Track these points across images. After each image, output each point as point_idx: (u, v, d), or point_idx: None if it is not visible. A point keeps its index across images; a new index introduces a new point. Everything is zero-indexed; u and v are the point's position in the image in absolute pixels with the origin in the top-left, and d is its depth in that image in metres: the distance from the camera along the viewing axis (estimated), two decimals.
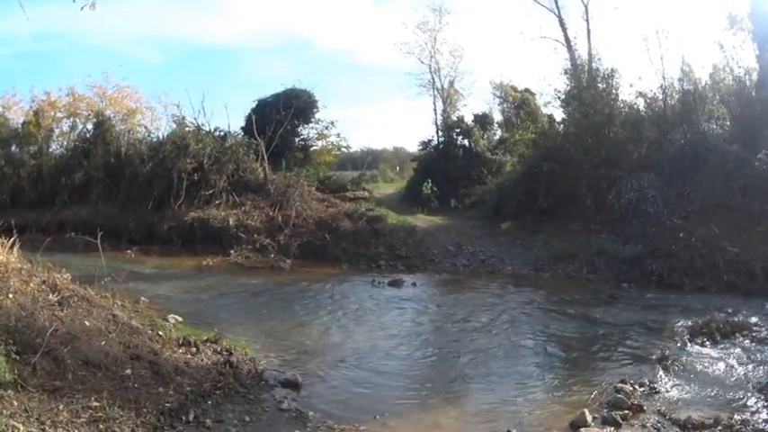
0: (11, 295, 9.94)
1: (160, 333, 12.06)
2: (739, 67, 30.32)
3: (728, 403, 11.11)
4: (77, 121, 35.74)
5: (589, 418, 10.22)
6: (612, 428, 10.00)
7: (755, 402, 11.01)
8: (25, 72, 63.82)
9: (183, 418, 9.23)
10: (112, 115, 34.86)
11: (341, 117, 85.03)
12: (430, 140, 46.63)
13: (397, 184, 50.10)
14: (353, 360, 13.92)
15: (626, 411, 10.54)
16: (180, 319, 15.16)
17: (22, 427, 7.19)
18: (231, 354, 12.28)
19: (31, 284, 10.77)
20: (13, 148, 35.11)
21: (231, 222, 28.04)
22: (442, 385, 12.50)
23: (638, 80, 32.49)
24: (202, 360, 11.61)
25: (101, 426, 8.05)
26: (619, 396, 11.15)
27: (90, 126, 34.74)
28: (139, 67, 69.94)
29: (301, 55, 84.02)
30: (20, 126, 35.61)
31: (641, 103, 32.13)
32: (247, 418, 9.89)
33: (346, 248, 27.30)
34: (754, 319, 16.57)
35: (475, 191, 38.18)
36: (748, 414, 10.38)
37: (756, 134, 27.63)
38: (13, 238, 12.13)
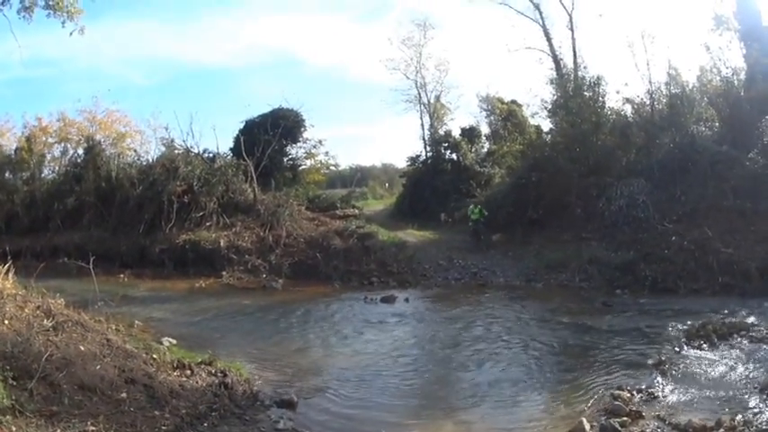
0: (6, 321, 9.96)
1: (154, 356, 12.06)
2: (727, 68, 30.69)
3: (730, 405, 11.05)
4: (68, 146, 36.06)
5: (587, 427, 10.20)
6: None
7: (758, 402, 10.99)
8: (17, 99, 63.99)
9: None
10: (102, 139, 35.12)
11: (330, 135, 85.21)
12: (418, 156, 47.03)
13: (387, 201, 50.37)
14: (349, 378, 13.94)
15: (624, 418, 10.50)
16: (174, 341, 15.12)
17: None
18: (226, 375, 12.28)
19: (26, 310, 10.78)
20: (7, 174, 35.16)
21: (222, 244, 28.08)
22: (437, 399, 12.55)
23: (624, 86, 33.15)
24: (197, 382, 11.61)
25: None
26: (617, 403, 11.13)
27: (81, 151, 34.94)
28: (128, 89, 70.16)
29: (289, 74, 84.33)
30: (13, 152, 35.69)
31: (629, 110, 32.65)
32: None
33: (338, 266, 27.38)
34: (751, 319, 16.65)
35: (464, 204, 38.23)
36: (751, 415, 10.34)
37: (746, 133, 27.91)
38: (7, 264, 12.16)
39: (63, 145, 36.19)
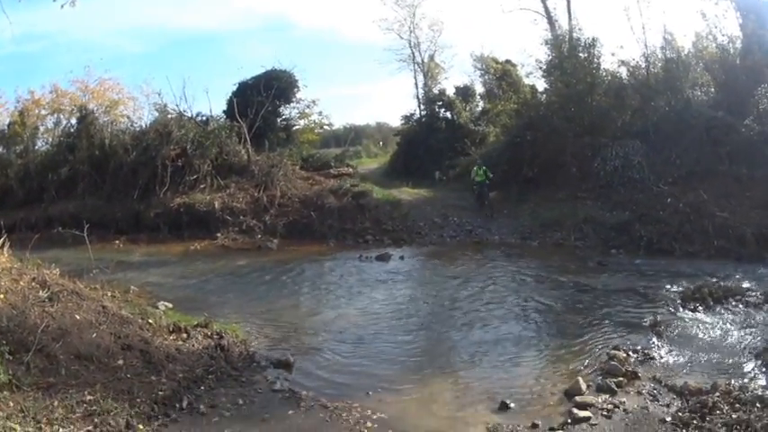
0: (1, 295, 10.05)
1: (150, 321, 12.20)
2: (723, 35, 30.32)
3: (725, 369, 11.21)
4: (61, 116, 35.55)
5: (584, 387, 10.37)
6: (608, 396, 10.13)
7: (753, 368, 11.14)
8: (10, 75, 63.21)
9: (177, 405, 9.41)
10: (95, 108, 34.64)
11: (323, 96, 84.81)
12: (412, 114, 46.52)
13: (381, 159, 50.03)
14: (344, 337, 14.09)
15: (621, 378, 10.68)
16: (170, 305, 15.23)
17: (18, 428, 7.33)
18: (222, 337, 12.45)
19: (22, 282, 10.87)
20: (0, 149, 34.95)
21: (217, 206, 28.01)
22: (434, 358, 12.64)
23: (619, 49, 32.52)
24: (193, 345, 11.77)
25: (96, 420, 8.21)
26: (613, 363, 11.30)
27: (74, 121, 34.50)
28: (121, 58, 69.09)
29: (283, 37, 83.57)
30: (6, 127, 35.44)
31: (624, 72, 32.22)
32: (241, 401, 10.04)
33: (332, 225, 27.43)
34: (746, 284, 16.65)
35: (459, 162, 38.10)
36: (746, 380, 10.47)
37: (742, 101, 27.67)
38: (2, 239, 12.22)
39: (56, 116, 35.71)
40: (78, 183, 30.57)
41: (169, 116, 32.86)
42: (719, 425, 8.54)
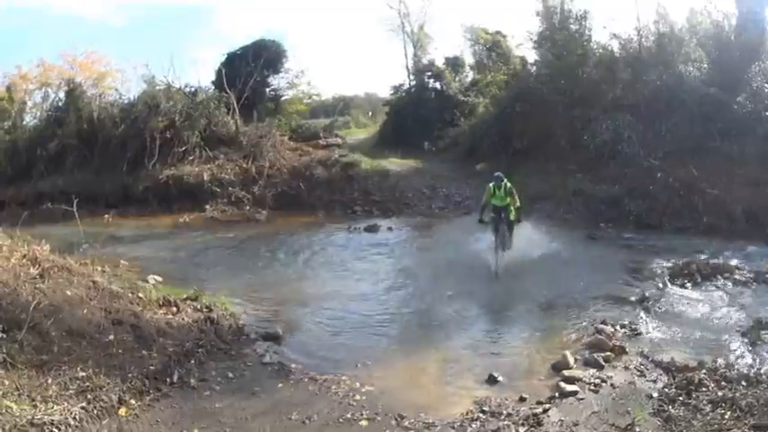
0: None
1: (140, 295, 12.25)
2: (717, 11, 30.25)
3: (712, 346, 11.38)
4: (49, 90, 35.21)
5: (571, 360, 10.54)
6: (595, 370, 10.27)
7: (739, 346, 11.34)
8: None
9: (168, 379, 9.54)
10: (83, 81, 34.42)
11: (312, 66, 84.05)
12: (401, 84, 46.37)
13: (370, 130, 49.98)
14: (333, 309, 14.25)
15: (608, 353, 10.86)
16: (160, 279, 15.27)
17: (15, 406, 7.46)
18: (211, 310, 12.53)
19: (12, 260, 10.88)
20: None
21: (205, 177, 28.04)
22: (423, 331, 12.80)
23: (611, 22, 32.40)
24: (183, 319, 11.83)
25: (89, 396, 8.35)
26: (600, 337, 11.46)
27: (62, 94, 34.14)
28: (106, 31, 68.40)
29: (271, 6, 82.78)
30: None
31: (615, 45, 31.96)
32: (231, 375, 10.19)
33: (321, 196, 27.69)
34: (734, 262, 16.88)
35: (448, 133, 38.13)
36: (732, 357, 10.66)
37: (735, 78, 27.56)
38: None
39: (44, 90, 35.39)
40: (67, 157, 30.37)
41: (157, 88, 32.65)
42: (705, 402, 8.64)
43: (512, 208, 17.13)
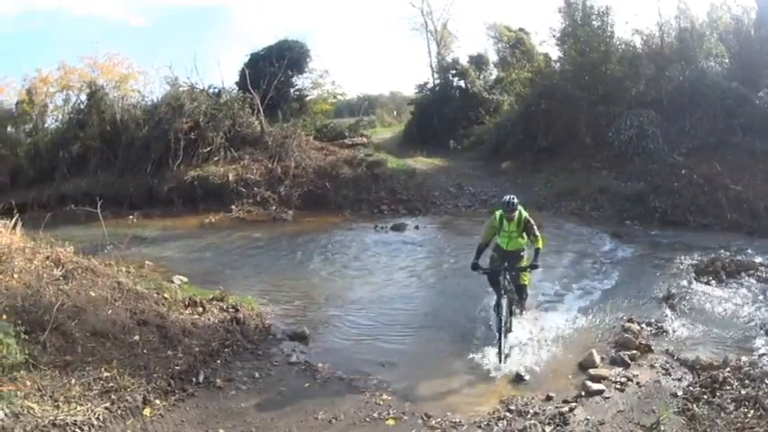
0: (16, 275, 10.08)
1: (166, 296, 12.19)
2: (737, 6, 29.89)
3: (736, 344, 11.23)
4: (70, 93, 35.20)
5: (597, 359, 10.42)
6: (621, 369, 10.15)
7: (763, 344, 11.13)
8: (15, 54, 62.78)
9: (194, 379, 9.50)
10: (105, 83, 34.45)
11: (336, 65, 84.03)
12: (426, 83, 46.21)
13: (395, 128, 49.87)
14: (360, 308, 14.18)
15: (634, 351, 10.72)
16: (185, 279, 15.21)
17: (36, 407, 7.41)
18: (237, 310, 12.46)
19: (35, 261, 10.88)
20: (9, 128, 34.79)
21: (231, 178, 27.96)
22: (450, 330, 12.57)
23: (633, 17, 32.17)
24: (209, 319, 11.80)
25: (113, 396, 8.31)
26: (626, 336, 11.32)
27: (83, 97, 34.19)
28: (127, 33, 68.45)
29: (294, 6, 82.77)
30: (14, 106, 35.28)
31: (638, 41, 31.63)
32: (257, 375, 10.12)
33: (347, 195, 27.50)
34: (759, 259, 16.56)
35: (473, 131, 37.97)
36: (756, 356, 10.47)
37: (756, 72, 27.23)
38: (14, 218, 12.23)
39: (65, 93, 35.27)
40: (90, 159, 30.53)
41: (180, 89, 32.69)
42: (729, 400, 8.56)
43: (524, 253, 12.12)
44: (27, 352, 8.32)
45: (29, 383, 7.86)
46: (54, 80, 35.15)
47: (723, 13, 30.45)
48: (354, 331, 12.71)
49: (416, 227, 23.23)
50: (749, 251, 17.62)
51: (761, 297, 13.84)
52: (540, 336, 11.86)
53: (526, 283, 12.26)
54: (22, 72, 35.77)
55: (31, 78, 35.21)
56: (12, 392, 7.54)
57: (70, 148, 30.99)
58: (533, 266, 11.83)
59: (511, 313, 11.61)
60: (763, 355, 10.56)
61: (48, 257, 11.23)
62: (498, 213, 11.96)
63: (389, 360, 10.97)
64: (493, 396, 9.49)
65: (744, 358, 10.08)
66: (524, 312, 12.60)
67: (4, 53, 55.37)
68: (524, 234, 11.86)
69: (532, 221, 11.84)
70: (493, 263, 12.25)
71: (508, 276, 11.74)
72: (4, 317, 8.72)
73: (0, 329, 8.37)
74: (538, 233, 11.70)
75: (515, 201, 11.64)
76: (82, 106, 33.48)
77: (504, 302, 11.21)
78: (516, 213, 11.69)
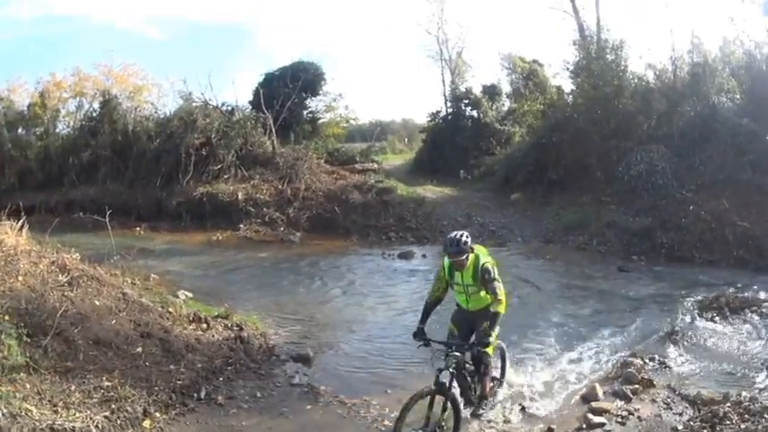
0: (20, 278, 10.01)
1: (170, 310, 12.09)
2: (750, 41, 29.89)
3: (737, 379, 11.14)
4: (83, 100, 35.39)
5: (600, 393, 10.30)
6: (623, 403, 10.02)
7: (764, 379, 11.03)
8: (30, 57, 63.17)
9: (195, 395, 9.38)
10: (119, 93, 34.58)
11: (350, 89, 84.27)
12: (438, 111, 45.96)
13: (406, 156, 49.86)
14: (365, 333, 14.06)
15: (636, 386, 10.58)
16: (190, 294, 15.14)
17: (35, 410, 7.30)
18: (242, 329, 12.35)
19: (41, 266, 10.82)
20: (20, 130, 34.88)
21: (240, 196, 28.02)
22: None
23: (647, 51, 32.27)
24: (213, 336, 11.69)
25: (113, 405, 8.19)
26: (629, 370, 11.15)
27: (96, 105, 34.41)
28: (145, 45, 68.83)
29: (310, 28, 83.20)
30: (26, 108, 35.40)
31: (650, 75, 31.70)
32: (259, 394, 9.99)
33: (356, 220, 27.42)
34: (763, 295, 16.43)
35: (484, 162, 37.96)
36: (757, 391, 10.34)
37: (767, 108, 27.12)
38: (21, 221, 12.15)
39: (78, 99, 35.52)
40: (100, 168, 30.73)
41: (194, 104, 32.80)
42: None
43: (485, 320, 8.87)
44: (28, 355, 8.25)
45: (28, 386, 7.77)
46: (68, 86, 35.43)
47: (736, 48, 30.49)
48: (358, 356, 12.57)
49: (424, 255, 23.06)
50: (754, 287, 17.47)
51: (764, 333, 13.78)
52: (542, 367, 11.75)
53: (489, 352, 9.12)
54: (36, 75, 35.99)
55: (45, 82, 35.59)
56: (10, 393, 7.44)
57: (81, 155, 31.24)
58: (482, 343, 8.70)
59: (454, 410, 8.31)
60: (764, 390, 10.50)
61: (53, 262, 11.18)
62: (446, 260, 9.14)
63: (392, 386, 10.82)
64: (495, 426, 9.37)
65: (744, 393, 9.97)
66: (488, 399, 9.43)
67: (20, 55, 55.80)
68: (483, 287, 9.03)
69: (493, 272, 8.91)
70: (452, 336, 9.49)
71: (468, 354, 8.97)
72: (7, 318, 8.63)
73: (2, 330, 8.28)
74: (498, 290, 8.75)
75: (464, 238, 8.67)
76: (94, 114, 33.84)
77: (449, 388, 8.23)
78: (469, 258, 8.86)
